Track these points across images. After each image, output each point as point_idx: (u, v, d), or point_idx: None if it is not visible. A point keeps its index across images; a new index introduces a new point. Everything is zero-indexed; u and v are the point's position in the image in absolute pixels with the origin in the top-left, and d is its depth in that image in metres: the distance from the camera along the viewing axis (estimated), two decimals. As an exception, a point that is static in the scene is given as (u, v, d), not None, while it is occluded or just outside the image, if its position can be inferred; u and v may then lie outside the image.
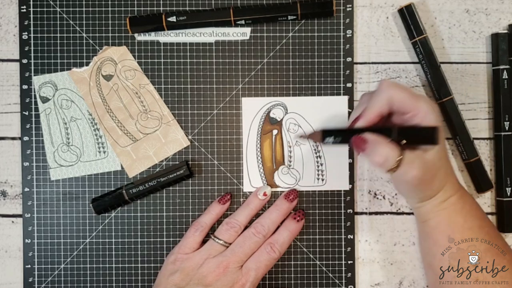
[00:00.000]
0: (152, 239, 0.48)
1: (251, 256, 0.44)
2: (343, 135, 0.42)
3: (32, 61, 0.48)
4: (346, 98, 0.48)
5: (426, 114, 0.38)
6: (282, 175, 0.48)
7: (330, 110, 0.48)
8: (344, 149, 0.48)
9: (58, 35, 0.48)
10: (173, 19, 0.47)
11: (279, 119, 0.48)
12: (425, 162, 0.38)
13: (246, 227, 0.46)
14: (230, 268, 0.43)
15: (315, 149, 0.48)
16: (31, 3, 0.48)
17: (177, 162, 0.48)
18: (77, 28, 0.48)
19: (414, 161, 0.38)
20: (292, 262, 0.48)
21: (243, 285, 0.43)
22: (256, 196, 0.47)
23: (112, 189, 0.48)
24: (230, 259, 0.43)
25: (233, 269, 0.43)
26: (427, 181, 0.40)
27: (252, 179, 0.48)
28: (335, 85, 0.48)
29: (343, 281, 0.48)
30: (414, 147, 0.39)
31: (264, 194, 0.47)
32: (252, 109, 0.48)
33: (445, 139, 0.40)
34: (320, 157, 0.48)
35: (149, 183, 0.47)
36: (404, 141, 0.38)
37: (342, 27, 0.48)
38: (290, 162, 0.48)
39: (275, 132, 0.48)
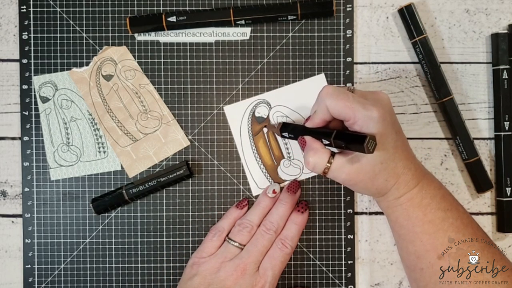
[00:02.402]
0: (152, 239, 0.48)
1: (266, 255, 0.45)
2: (296, 132, 0.44)
3: (32, 61, 0.48)
4: (323, 75, 0.48)
5: (364, 122, 0.39)
6: (285, 169, 0.48)
7: (311, 92, 0.48)
8: None
9: (58, 35, 0.48)
10: (173, 19, 0.47)
11: (265, 116, 0.48)
12: (360, 167, 0.40)
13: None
14: (248, 270, 0.43)
15: None
16: (31, 3, 0.48)
17: (177, 162, 0.48)
18: (77, 28, 0.48)
19: (343, 167, 0.40)
20: (292, 262, 0.48)
21: (262, 287, 0.43)
22: (265, 195, 0.47)
23: (112, 189, 0.48)
24: (246, 260, 0.44)
25: (250, 271, 0.44)
26: (364, 182, 0.40)
27: (257, 181, 0.48)
28: (335, 85, 0.48)
29: (343, 281, 0.48)
30: (349, 152, 0.41)
31: (274, 192, 0.47)
32: (236, 114, 0.48)
33: (392, 141, 0.40)
34: None
35: (149, 183, 0.47)
36: (336, 150, 0.41)
37: (342, 27, 0.48)
38: (289, 154, 0.48)
39: (265, 130, 0.48)
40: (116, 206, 0.47)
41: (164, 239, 0.48)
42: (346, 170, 0.40)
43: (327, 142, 0.41)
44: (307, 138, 0.42)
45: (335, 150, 0.42)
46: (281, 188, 0.48)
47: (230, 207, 0.48)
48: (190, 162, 0.48)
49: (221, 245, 0.46)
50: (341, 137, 0.39)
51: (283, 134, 0.46)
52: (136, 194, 0.47)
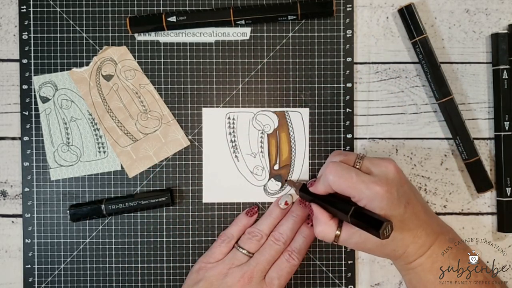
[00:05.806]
0: (152, 239, 0.48)
1: (273, 265, 0.45)
2: (314, 195, 0.43)
3: (32, 61, 0.48)
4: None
5: (368, 201, 0.39)
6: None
7: None
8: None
9: (58, 35, 0.48)
10: (173, 19, 0.47)
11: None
12: (367, 237, 0.40)
13: None
14: (255, 278, 0.44)
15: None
16: (31, 3, 0.48)
17: (174, 167, 0.48)
18: (77, 28, 0.48)
19: (351, 238, 0.41)
20: (292, 262, 0.48)
21: None
22: (277, 206, 0.47)
23: (112, 189, 0.48)
24: (254, 268, 0.44)
25: (257, 280, 0.44)
26: (373, 250, 0.41)
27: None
28: (335, 85, 0.48)
29: (343, 281, 0.48)
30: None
31: (286, 204, 0.47)
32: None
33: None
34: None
35: (130, 203, 0.46)
36: (338, 231, 0.41)
37: (342, 27, 0.48)
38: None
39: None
40: (93, 218, 0.47)
41: (164, 239, 0.48)
42: (354, 240, 0.41)
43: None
44: (314, 208, 0.43)
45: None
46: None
47: (239, 214, 0.48)
48: (174, 188, 0.48)
49: (228, 251, 0.46)
50: (358, 216, 0.39)
51: (300, 195, 0.45)
52: (114, 211, 0.46)
